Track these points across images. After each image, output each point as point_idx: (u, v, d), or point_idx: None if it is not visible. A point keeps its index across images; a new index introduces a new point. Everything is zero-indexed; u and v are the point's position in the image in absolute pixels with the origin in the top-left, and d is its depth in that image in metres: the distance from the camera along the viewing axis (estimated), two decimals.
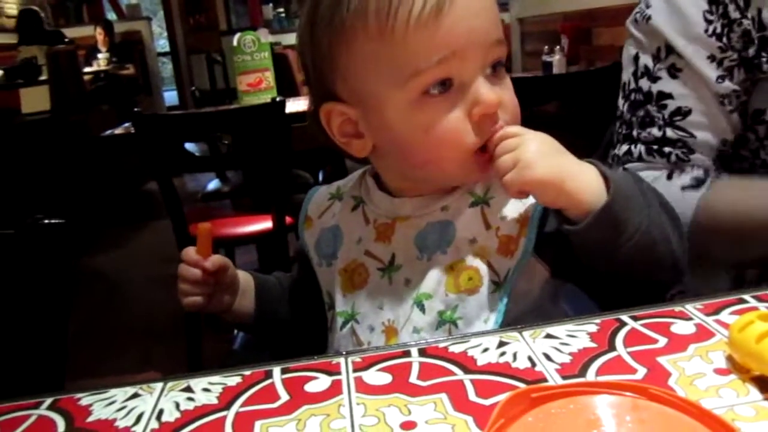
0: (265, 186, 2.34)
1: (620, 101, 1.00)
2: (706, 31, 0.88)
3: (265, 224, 2.32)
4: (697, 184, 0.90)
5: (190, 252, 0.75)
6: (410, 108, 0.65)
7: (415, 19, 0.62)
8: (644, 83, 0.95)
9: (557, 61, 3.20)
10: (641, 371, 0.49)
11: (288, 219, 2.34)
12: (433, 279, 0.68)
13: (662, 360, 0.51)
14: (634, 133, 0.96)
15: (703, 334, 0.54)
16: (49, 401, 0.54)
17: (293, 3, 8.20)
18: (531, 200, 0.68)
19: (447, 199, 0.71)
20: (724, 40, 0.88)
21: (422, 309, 0.68)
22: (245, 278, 0.82)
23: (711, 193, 0.89)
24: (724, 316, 0.57)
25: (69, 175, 4.13)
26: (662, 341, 0.54)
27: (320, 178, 2.89)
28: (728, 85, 0.89)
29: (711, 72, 0.89)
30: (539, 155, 0.62)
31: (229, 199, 2.91)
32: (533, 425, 0.41)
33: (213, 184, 2.99)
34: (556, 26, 3.77)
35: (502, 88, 0.67)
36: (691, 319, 0.57)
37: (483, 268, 0.67)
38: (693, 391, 0.46)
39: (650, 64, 0.94)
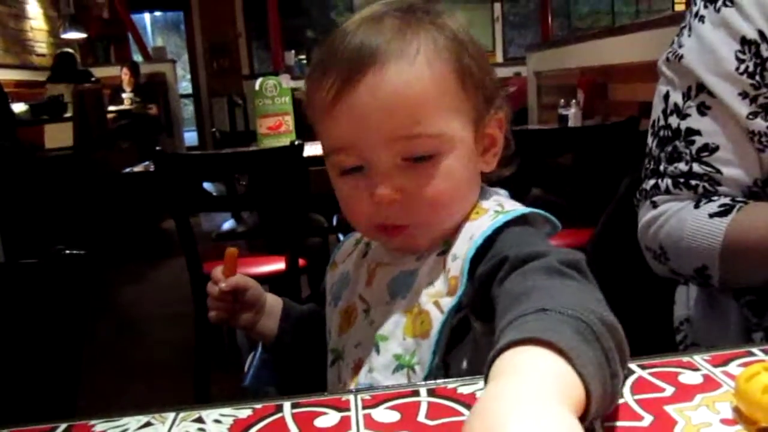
0: (279, 228, 2.36)
1: (649, 139, 1.01)
2: (738, 69, 0.89)
3: (278, 265, 2.34)
4: (725, 211, 0.89)
5: (216, 271, 0.81)
6: (335, 178, 0.72)
7: (320, 106, 0.69)
8: (673, 120, 0.95)
9: (573, 114, 3.24)
10: (647, 419, 0.50)
11: (301, 261, 2.36)
12: (392, 322, 0.71)
13: (669, 408, 0.51)
14: (662, 167, 0.96)
15: (710, 384, 0.55)
16: (63, 427, 0.55)
17: (315, 50, 8.39)
18: (475, 238, 0.67)
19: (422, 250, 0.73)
20: (757, 78, 0.88)
21: (378, 350, 0.71)
22: (274, 301, 0.87)
23: (739, 216, 0.88)
24: (732, 367, 0.57)
25: (88, 210, 4.19)
26: (669, 390, 0.54)
27: (334, 222, 2.92)
28: (760, 123, 0.89)
29: (743, 109, 0.89)
30: None
31: (243, 239, 2.94)
32: None
33: (228, 224, 3.02)
34: (573, 80, 3.82)
35: (421, 178, 0.67)
36: (698, 369, 0.57)
37: (433, 311, 0.68)
38: None
39: (680, 101, 0.94)
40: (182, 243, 2.25)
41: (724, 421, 0.49)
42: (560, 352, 0.44)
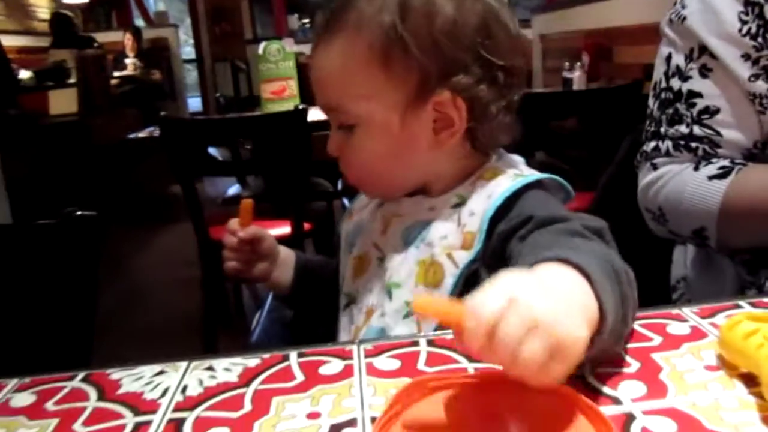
0: (284, 192, 2.38)
1: (650, 100, 1.01)
2: (740, 30, 0.89)
3: (284, 229, 2.36)
4: (724, 173, 0.90)
5: (231, 222, 0.84)
6: None
7: None
8: (675, 82, 0.96)
9: (577, 77, 3.23)
10: (635, 365, 0.53)
11: (306, 225, 2.38)
12: (405, 270, 0.74)
13: (656, 356, 0.54)
14: (662, 129, 0.97)
15: (697, 334, 0.57)
16: (82, 375, 0.58)
17: (318, 14, 8.31)
18: (494, 197, 0.70)
19: (434, 201, 0.76)
20: (760, 39, 0.88)
21: (390, 296, 0.74)
22: (286, 253, 0.90)
23: (738, 179, 0.89)
24: (719, 319, 0.60)
25: (93, 176, 4.21)
26: (657, 340, 0.57)
27: (339, 186, 2.93)
28: (761, 85, 0.89)
29: (744, 71, 0.89)
30: (564, 324, 0.42)
31: None
32: (425, 410, 0.45)
33: (233, 189, 3.04)
34: (578, 43, 3.80)
35: (348, 145, 0.74)
36: (687, 321, 0.60)
37: (446, 263, 0.71)
38: (681, 385, 0.49)
39: (682, 63, 0.95)
40: (188, 207, 2.28)
41: (708, 368, 0.52)
42: (587, 276, 0.47)
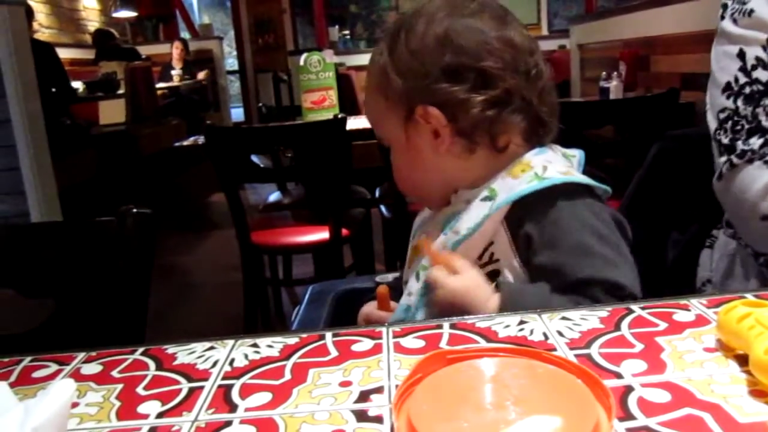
0: (323, 199, 2.45)
1: (727, 101, 0.97)
2: None
3: (322, 235, 2.43)
4: None
5: (374, 314, 0.89)
6: None
7: None
8: (760, 73, 0.93)
9: (614, 87, 3.24)
10: (638, 347, 0.57)
11: (345, 231, 2.45)
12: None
13: (659, 339, 0.58)
14: (765, 123, 0.92)
15: (700, 321, 0.62)
16: (141, 349, 0.65)
17: (358, 26, 8.45)
18: (510, 196, 0.79)
19: (469, 193, 0.84)
20: None
21: (417, 277, 0.84)
22: None
23: None
24: None
25: (140, 184, 4.36)
26: (663, 325, 0.61)
27: (377, 194, 3.00)
28: None
29: None
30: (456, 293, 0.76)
31: (288, 210, 3.05)
32: (443, 378, 0.50)
33: (274, 196, 3.14)
34: (615, 53, 3.81)
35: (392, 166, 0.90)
36: (692, 310, 0.64)
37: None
38: (679, 363, 0.54)
39: (762, 54, 0.93)
40: (232, 213, 2.37)
41: (706, 349, 0.56)
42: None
